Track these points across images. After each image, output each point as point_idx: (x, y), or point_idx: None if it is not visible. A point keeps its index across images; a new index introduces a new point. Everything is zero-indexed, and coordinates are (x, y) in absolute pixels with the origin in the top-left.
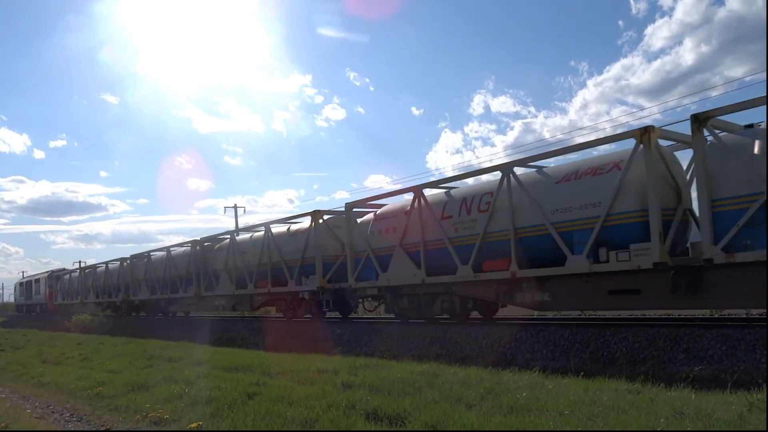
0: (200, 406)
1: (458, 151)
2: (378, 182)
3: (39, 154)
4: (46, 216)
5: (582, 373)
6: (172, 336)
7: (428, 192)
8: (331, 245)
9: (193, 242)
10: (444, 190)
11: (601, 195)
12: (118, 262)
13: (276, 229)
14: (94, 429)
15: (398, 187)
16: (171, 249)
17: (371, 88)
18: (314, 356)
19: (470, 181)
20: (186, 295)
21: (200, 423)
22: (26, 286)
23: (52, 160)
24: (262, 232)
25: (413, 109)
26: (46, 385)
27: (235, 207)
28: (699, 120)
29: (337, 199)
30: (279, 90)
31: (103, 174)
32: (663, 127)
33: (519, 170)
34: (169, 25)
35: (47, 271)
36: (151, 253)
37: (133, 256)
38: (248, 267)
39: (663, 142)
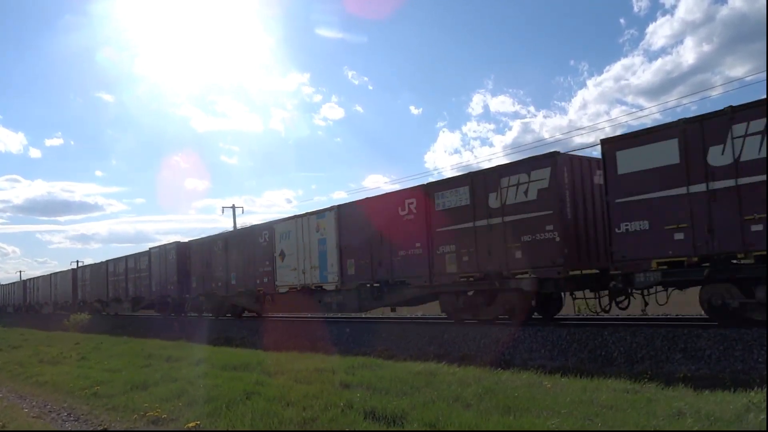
0: (198, 405)
1: (456, 151)
2: (376, 182)
3: (35, 153)
4: (42, 215)
5: (580, 373)
6: (171, 335)
7: None
8: None
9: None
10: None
11: None
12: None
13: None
14: (91, 429)
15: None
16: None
17: (370, 87)
18: (312, 356)
19: None
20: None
21: (198, 422)
22: None
23: (47, 160)
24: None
25: (412, 108)
26: (43, 385)
27: (233, 207)
28: None
29: (335, 198)
30: (277, 88)
31: (98, 173)
32: None
33: None
34: (166, 24)
35: None
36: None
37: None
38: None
39: None
